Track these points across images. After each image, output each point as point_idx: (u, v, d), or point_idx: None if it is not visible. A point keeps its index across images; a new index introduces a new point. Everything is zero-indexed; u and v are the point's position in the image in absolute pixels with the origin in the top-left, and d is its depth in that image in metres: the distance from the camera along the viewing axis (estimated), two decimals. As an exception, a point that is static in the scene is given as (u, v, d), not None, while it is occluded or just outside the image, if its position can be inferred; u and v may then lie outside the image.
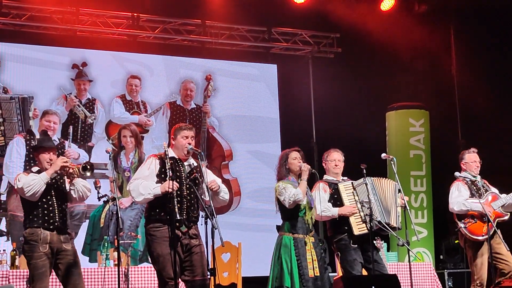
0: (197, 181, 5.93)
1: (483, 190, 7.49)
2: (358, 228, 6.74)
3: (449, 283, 10.01)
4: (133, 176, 5.99)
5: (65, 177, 6.15)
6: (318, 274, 6.49)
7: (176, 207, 5.66)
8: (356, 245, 6.76)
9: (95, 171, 9.24)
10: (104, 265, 7.47)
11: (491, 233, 7.17)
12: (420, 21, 11.11)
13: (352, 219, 6.76)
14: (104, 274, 7.23)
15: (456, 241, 10.25)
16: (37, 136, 8.64)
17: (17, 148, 8.84)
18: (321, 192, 6.79)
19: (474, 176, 7.56)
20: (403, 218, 6.86)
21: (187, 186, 5.86)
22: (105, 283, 7.21)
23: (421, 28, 11.02)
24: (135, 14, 10.56)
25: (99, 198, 6.59)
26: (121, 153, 8.43)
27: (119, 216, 6.06)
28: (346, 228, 6.77)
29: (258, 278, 8.70)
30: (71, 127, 9.57)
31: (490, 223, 7.13)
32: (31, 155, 8.28)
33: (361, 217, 6.74)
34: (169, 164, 5.79)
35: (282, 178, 6.68)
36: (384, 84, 11.20)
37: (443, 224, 10.90)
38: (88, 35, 10.47)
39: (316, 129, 11.43)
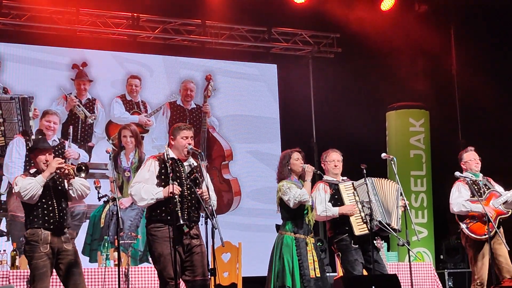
0: (197, 181, 5.93)
1: (485, 189, 7.47)
2: (359, 228, 6.73)
3: (449, 283, 10.00)
4: (134, 179, 5.99)
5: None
6: (319, 275, 6.50)
7: (179, 211, 5.66)
8: (357, 246, 6.76)
9: (95, 171, 9.30)
10: (105, 265, 7.47)
11: (491, 233, 7.17)
12: (420, 21, 11.11)
13: (352, 220, 6.76)
14: (105, 274, 7.22)
15: (457, 241, 10.28)
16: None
17: (17, 148, 8.85)
18: (322, 193, 6.79)
19: (475, 175, 7.55)
20: (403, 218, 6.86)
21: (188, 186, 5.86)
22: (106, 283, 7.21)
23: (421, 28, 11.01)
24: (135, 14, 10.56)
25: (99, 198, 6.60)
26: (121, 153, 8.43)
27: (119, 216, 6.07)
28: (347, 228, 6.77)
29: (258, 278, 8.68)
30: (71, 127, 9.57)
31: (490, 223, 7.13)
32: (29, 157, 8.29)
33: (361, 218, 6.74)
34: (170, 167, 5.78)
35: (283, 178, 6.68)
36: (384, 84, 11.20)
37: (443, 224, 10.90)
38: (88, 35, 10.47)
39: (316, 129, 11.43)
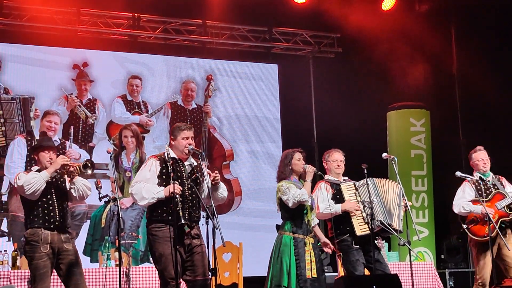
0: (198, 181, 5.93)
1: (493, 189, 7.42)
2: (360, 228, 6.72)
3: (450, 283, 10.01)
4: (134, 179, 5.98)
5: (65, 176, 6.15)
6: (315, 276, 6.47)
7: (180, 211, 5.67)
8: (358, 246, 6.75)
9: (96, 171, 9.30)
10: (105, 265, 7.47)
11: (492, 234, 7.16)
12: (421, 21, 11.10)
13: (354, 220, 6.75)
14: (105, 274, 7.22)
15: (458, 240, 10.28)
16: (37, 137, 8.67)
17: (18, 149, 8.86)
18: (324, 191, 6.78)
19: (484, 175, 7.49)
20: (404, 218, 6.86)
21: (189, 186, 5.86)
22: (106, 283, 7.21)
23: (422, 28, 11.01)
24: (135, 15, 10.56)
25: (100, 199, 6.60)
26: (122, 153, 8.43)
27: (120, 216, 6.06)
28: (348, 228, 6.76)
29: (259, 278, 8.67)
30: (72, 127, 9.59)
31: (492, 224, 7.12)
32: (32, 156, 8.29)
33: (363, 218, 6.73)
34: (171, 167, 5.78)
35: (284, 178, 6.68)
36: (384, 83, 11.19)
37: (444, 223, 10.90)
38: (89, 36, 10.47)
39: (317, 129, 11.43)
